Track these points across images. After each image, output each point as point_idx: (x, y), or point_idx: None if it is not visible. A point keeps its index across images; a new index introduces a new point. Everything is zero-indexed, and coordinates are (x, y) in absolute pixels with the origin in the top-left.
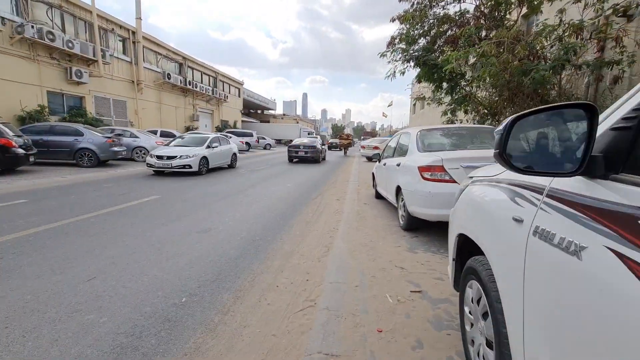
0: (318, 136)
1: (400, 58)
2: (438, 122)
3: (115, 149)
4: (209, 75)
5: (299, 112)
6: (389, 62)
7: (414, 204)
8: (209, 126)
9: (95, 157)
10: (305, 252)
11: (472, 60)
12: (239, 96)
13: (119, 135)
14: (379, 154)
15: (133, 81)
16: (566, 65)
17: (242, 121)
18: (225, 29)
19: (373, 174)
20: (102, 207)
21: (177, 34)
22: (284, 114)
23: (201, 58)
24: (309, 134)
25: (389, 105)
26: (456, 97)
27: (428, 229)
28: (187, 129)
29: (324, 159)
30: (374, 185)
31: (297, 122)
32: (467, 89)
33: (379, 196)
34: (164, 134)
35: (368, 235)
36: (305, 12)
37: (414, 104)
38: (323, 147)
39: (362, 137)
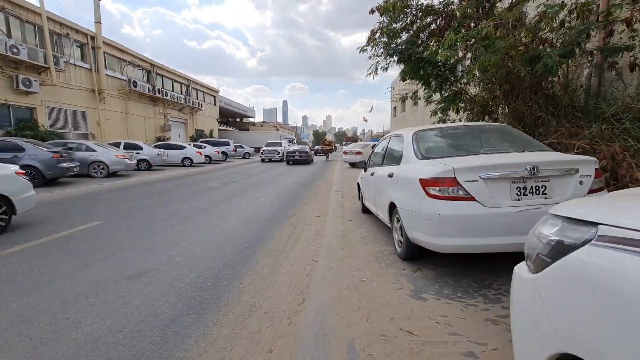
0: (308, 145)
1: (382, 53)
2: (421, 124)
3: (65, 165)
4: (180, 83)
5: (280, 119)
6: (370, 57)
7: (417, 229)
8: (182, 136)
9: (40, 175)
10: (271, 307)
11: (461, 53)
12: (215, 104)
13: (70, 149)
14: (364, 160)
15: (94, 90)
16: (576, 51)
17: (220, 130)
18: (201, 38)
19: (358, 184)
20: (14, 244)
21: (152, 44)
22: (263, 122)
23: (179, 68)
24: (289, 141)
25: (370, 111)
26: (446, 95)
27: (433, 257)
28: (158, 140)
29: (312, 161)
30: (360, 198)
31: (277, 130)
32: (459, 85)
33: (366, 210)
34: (129, 146)
35: (357, 271)
36: (282, 20)
37: (395, 107)
38: (311, 152)
39: (344, 143)
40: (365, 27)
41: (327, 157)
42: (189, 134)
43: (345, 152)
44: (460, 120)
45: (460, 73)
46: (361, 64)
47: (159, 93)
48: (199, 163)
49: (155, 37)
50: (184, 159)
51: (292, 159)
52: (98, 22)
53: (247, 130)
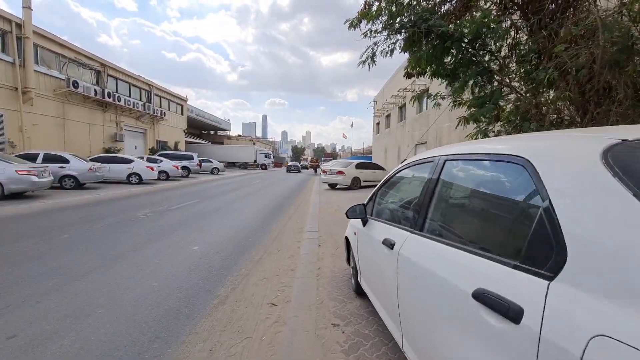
0: (299, 164)
1: (384, 27)
2: (408, 142)
3: None
4: (139, 88)
5: (259, 133)
6: (365, 35)
7: None
8: (140, 148)
9: None
10: None
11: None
12: (182, 114)
13: None
14: (348, 180)
15: (16, 88)
16: None
17: (188, 142)
18: (181, 50)
19: (348, 241)
20: None
21: (129, 54)
22: (239, 135)
23: (157, 79)
24: (265, 156)
25: (351, 126)
26: (482, 94)
27: None
28: (107, 151)
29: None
30: (350, 262)
31: (254, 144)
32: (507, 79)
33: (361, 291)
34: (50, 158)
35: None
36: (264, 37)
37: (378, 123)
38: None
39: (322, 159)
40: (345, 47)
41: (316, 171)
42: (148, 146)
43: (324, 171)
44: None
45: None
46: (341, 82)
47: (110, 97)
48: (150, 180)
49: (133, 47)
50: (130, 175)
51: (290, 170)
52: (27, 7)
53: (222, 143)
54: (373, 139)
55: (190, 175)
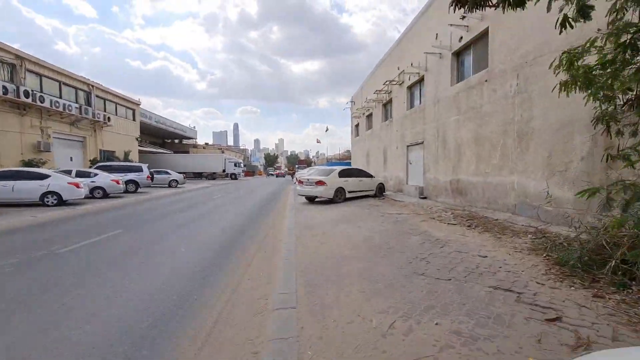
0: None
1: None
2: (397, 143)
3: None
4: (75, 88)
5: (231, 142)
6: None
7: None
8: (77, 159)
9: None
10: None
11: None
12: (134, 119)
13: None
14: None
15: None
16: None
17: (145, 152)
18: (146, 58)
19: None
20: None
21: (89, 62)
22: (206, 143)
23: (120, 88)
24: (235, 165)
25: (326, 131)
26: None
27: None
28: (27, 164)
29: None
30: None
31: (223, 152)
32: None
33: None
34: None
35: None
36: (232, 45)
37: (357, 125)
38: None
39: (296, 166)
40: (315, 56)
41: (292, 177)
42: (88, 156)
43: (299, 182)
44: None
45: None
46: (312, 89)
47: (29, 97)
48: (77, 200)
49: (94, 55)
50: (45, 194)
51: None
52: None
53: (187, 152)
54: (352, 143)
55: (140, 190)
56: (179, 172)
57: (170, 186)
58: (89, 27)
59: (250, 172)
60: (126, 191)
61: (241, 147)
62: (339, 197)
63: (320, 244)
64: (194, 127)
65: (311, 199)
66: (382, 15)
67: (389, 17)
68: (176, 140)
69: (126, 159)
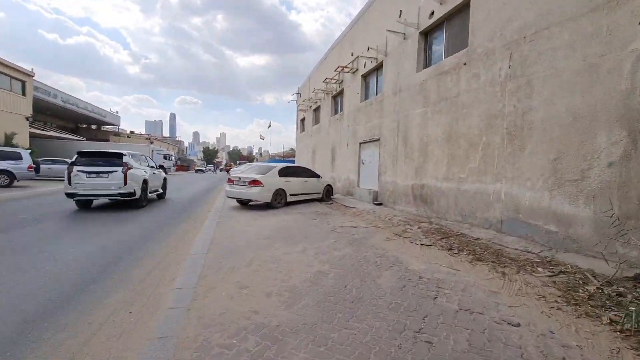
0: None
1: None
2: (348, 139)
3: None
4: None
5: (166, 133)
6: None
7: None
8: None
9: None
10: None
11: None
12: (24, 94)
13: None
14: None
15: None
16: None
17: (43, 136)
18: (65, 32)
19: None
20: None
21: None
22: (131, 132)
23: (32, 64)
24: (165, 158)
25: (268, 127)
26: None
27: None
28: None
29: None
30: None
31: (152, 142)
32: None
33: None
34: None
35: None
36: (172, 29)
37: (303, 120)
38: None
39: (238, 162)
40: (263, 50)
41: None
42: None
43: (230, 181)
44: None
45: None
46: (259, 85)
47: None
48: None
49: None
50: None
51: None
52: None
53: (107, 140)
54: (296, 139)
55: (17, 184)
56: None
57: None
58: None
59: (185, 166)
60: None
61: (173, 139)
62: (279, 201)
63: (238, 290)
64: (117, 112)
65: (244, 202)
66: (330, 17)
67: (336, 20)
68: (93, 126)
69: (8, 143)
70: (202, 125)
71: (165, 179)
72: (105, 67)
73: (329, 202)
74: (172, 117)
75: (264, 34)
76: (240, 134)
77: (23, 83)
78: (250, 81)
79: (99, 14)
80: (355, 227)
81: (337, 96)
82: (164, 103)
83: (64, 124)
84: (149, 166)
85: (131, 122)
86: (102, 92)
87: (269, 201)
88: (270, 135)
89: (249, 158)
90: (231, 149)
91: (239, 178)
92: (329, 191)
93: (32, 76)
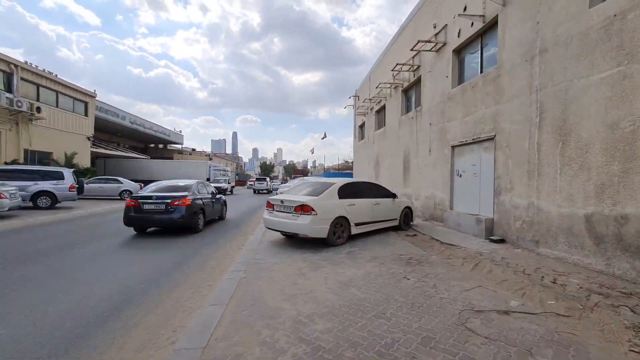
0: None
1: None
2: (432, 141)
3: None
4: None
5: (229, 150)
6: None
7: None
8: None
9: None
10: None
11: None
12: (86, 114)
13: None
14: (339, 220)
15: None
16: None
17: (105, 156)
18: (147, 66)
19: None
20: None
21: (92, 69)
22: (193, 149)
23: (121, 95)
24: (222, 174)
25: (322, 138)
26: None
27: None
28: None
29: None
30: None
31: (210, 158)
32: None
33: None
34: None
35: None
36: (234, 56)
37: (361, 125)
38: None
39: (292, 177)
40: (316, 68)
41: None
42: (4, 157)
43: (270, 205)
44: None
45: None
46: (312, 100)
47: None
48: None
49: (97, 63)
50: None
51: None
52: None
53: (171, 158)
54: (354, 149)
55: (60, 205)
56: (139, 181)
57: (121, 198)
58: (90, 34)
59: (243, 181)
60: (36, 207)
61: (234, 155)
62: (339, 235)
63: None
64: (180, 131)
65: (290, 236)
66: (381, 29)
67: (387, 32)
68: (160, 146)
69: (69, 163)
70: (260, 141)
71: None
72: (179, 94)
73: (410, 233)
74: (234, 135)
75: (316, 51)
76: (295, 149)
77: (86, 104)
78: (305, 97)
79: (173, 48)
80: (505, 312)
81: (411, 88)
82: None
83: (135, 144)
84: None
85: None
86: (176, 116)
87: (325, 236)
88: (324, 149)
89: (304, 172)
90: (287, 163)
91: (281, 202)
92: (407, 215)
93: (94, 97)
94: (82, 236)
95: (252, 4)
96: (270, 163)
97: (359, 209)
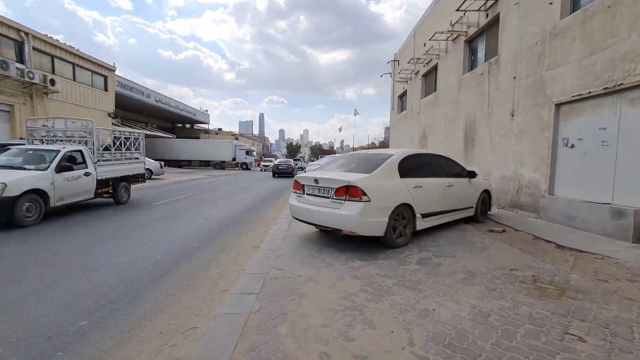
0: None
1: None
2: (508, 107)
3: None
4: None
5: (256, 131)
6: None
7: None
8: (4, 134)
9: None
10: None
11: None
12: (106, 89)
13: None
14: (401, 208)
15: None
16: None
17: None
18: (177, 48)
19: None
20: None
21: (126, 53)
22: (219, 129)
23: (153, 78)
24: (247, 153)
25: (355, 115)
26: None
27: None
28: None
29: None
30: None
31: (236, 138)
32: None
33: None
34: None
35: None
36: (260, 35)
37: (402, 95)
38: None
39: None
40: (343, 46)
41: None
42: (19, 133)
43: (298, 186)
44: None
45: None
46: (339, 80)
47: None
48: None
49: (129, 46)
50: None
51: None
52: None
53: (197, 137)
54: (392, 122)
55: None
56: (184, 160)
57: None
58: (122, 18)
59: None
60: None
61: (261, 136)
62: (402, 232)
63: None
64: (206, 110)
65: (328, 231)
66: (412, 1)
67: (418, 5)
68: (187, 125)
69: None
70: (286, 122)
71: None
72: (208, 75)
73: (495, 228)
74: (261, 117)
75: (344, 28)
76: (322, 129)
77: (105, 78)
78: (331, 77)
79: (201, 29)
80: None
81: (478, 36)
82: (254, 104)
83: (163, 123)
84: None
85: (228, 122)
86: (205, 97)
87: (382, 234)
88: (351, 128)
89: (330, 152)
90: (313, 144)
91: (315, 181)
92: (484, 202)
93: (114, 70)
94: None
95: None
96: (297, 144)
97: (428, 194)
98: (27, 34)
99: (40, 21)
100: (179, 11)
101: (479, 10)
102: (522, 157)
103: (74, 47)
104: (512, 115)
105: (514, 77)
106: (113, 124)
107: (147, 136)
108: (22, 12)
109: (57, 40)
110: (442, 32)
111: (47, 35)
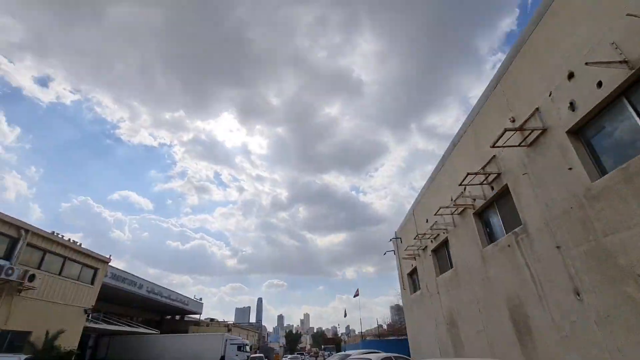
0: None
1: None
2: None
3: None
4: None
5: (253, 319)
6: None
7: None
8: None
9: None
10: None
11: None
12: (92, 283)
13: None
14: None
15: None
16: None
17: (109, 332)
18: (185, 239)
19: None
20: None
21: (135, 246)
22: (211, 320)
23: (156, 268)
24: (239, 348)
25: (355, 296)
26: None
27: None
28: None
29: None
30: None
31: (229, 330)
32: None
33: None
34: None
35: None
36: (263, 224)
37: (411, 272)
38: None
39: (322, 347)
40: (338, 230)
41: None
42: None
43: None
44: None
45: None
46: (338, 261)
47: None
48: None
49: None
50: None
51: None
52: None
53: (186, 331)
54: (404, 304)
55: None
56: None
57: None
58: (141, 216)
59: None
60: None
61: (256, 324)
62: None
63: None
64: (200, 299)
65: None
66: (395, 191)
67: (400, 194)
68: (177, 317)
69: (49, 344)
70: (286, 307)
71: None
72: (210, 262)
73: None
74: (259, 302)
75: (339, 215)
76: (323, 313)
77: (95, 271)
78: (330, 258)
79: (210, 221)
80: None
81: (489, 207)
82: (254, 288)
83: (151, 316)
84: None
85: (224, 310)
86: (204, 285)
87: None
88: (356, 310)
89: (336, 340)
90: (315, 331)
91: None
92: None
93: (108, 262)
94: None
95: (280, 183)
96: (297, 332)
97: None
98: (27, 230)
99: (69, 223)
100: (193, 209)
101: (481, 184)
102: (627, 354)
103: (69, 240)
104: (578, 295)
105: (557, 247)
106: (87, 319)
107: (127, 333)
108: (55, 216)
109: (54, 235)
110: (447, 207)
111: (48, 232)
